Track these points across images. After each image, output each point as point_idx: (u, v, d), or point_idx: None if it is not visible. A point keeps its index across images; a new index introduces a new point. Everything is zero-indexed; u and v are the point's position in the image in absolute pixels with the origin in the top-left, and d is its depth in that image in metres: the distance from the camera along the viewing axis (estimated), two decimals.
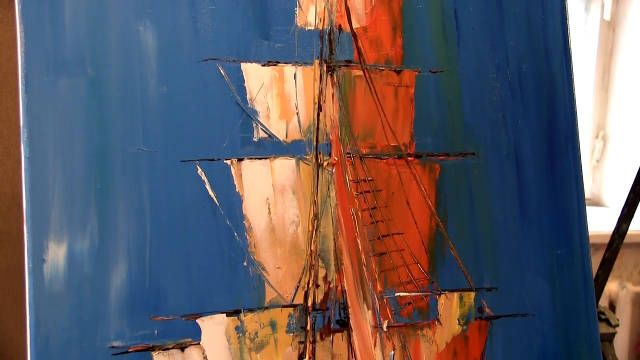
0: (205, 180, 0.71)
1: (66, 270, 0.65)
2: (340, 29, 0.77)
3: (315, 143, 0.75)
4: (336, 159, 0.76)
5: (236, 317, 0.71)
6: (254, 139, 0.73)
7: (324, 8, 0.76)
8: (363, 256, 0.77)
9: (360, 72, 0.78)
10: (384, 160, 0.79)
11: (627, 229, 1.16)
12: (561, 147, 0.89)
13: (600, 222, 2.02)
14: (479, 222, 0.82)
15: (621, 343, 1.90)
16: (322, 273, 0.75)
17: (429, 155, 0.81)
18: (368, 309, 0.77)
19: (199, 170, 0.70)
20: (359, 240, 0.77)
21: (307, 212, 0.75)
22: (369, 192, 0.76)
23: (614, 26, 2.26)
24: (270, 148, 0.74)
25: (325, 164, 0.76)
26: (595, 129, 2.32)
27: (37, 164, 0.65)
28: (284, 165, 0.74)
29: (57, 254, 0.65)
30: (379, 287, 0.77)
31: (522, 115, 0.86)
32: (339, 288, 0.76)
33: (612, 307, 1.86)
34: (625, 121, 2.25)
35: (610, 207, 2.26)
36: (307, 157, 0.75)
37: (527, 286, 0.84)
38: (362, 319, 0.77)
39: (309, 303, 0.74)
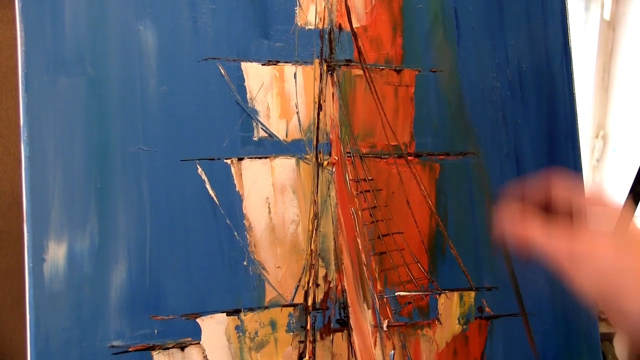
0: (206, 179, 0.71)
1: (66, 269, 0.65)
2: (340, 28, 0.77)
3: (315, 142, 0.75)
4: (336, 158, 0.76)
5: (236, 317, 0.71)
6: (254, 139, 0.73)
7: (324, 7, 0.76)
8: (363, 255, 0.77)
9: (360, 72, 0.78)
10: (384, 160, 0.79)
11: None
12: (561, 146, 0.89)
13: None
14: (479, 221, 0.82)
15: (621, 343, 1.90)
16: (322, 272, 0.75)
17: (429, 154, 0.81)
18: (368, 309, 0.77)
19: (199, 170, 0.70)
20: (359, 240, 0.77)
21: (307, 211, 0.75)
22: (369, 191, 0.76)
23: (614, 26, 2.26)
24: (271, 147, 0.74)
25: (325, 163, 0.76)
26: (595, 128, 2.32)
27: (37, 164, 0.65)
28: (284, 165, 0.74)
29: (57, 253, 0.65)
30: (379, 287, 0.77)
31: (522, 114, 0.86)
32: (339, 287, 0.76)
33: None
34: (625, 121, 2.25)
35: None
36: (307, 156, 0.75)
37: (527, 286, 0.84)
38: (362, 318, 0.77)
39: (309, 302, 0.74)
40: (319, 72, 0.76)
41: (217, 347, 0.70)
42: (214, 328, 0.70)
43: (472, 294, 0.82)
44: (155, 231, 0.69)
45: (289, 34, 0.75)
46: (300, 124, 0.75)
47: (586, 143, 2.30)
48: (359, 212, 0.77)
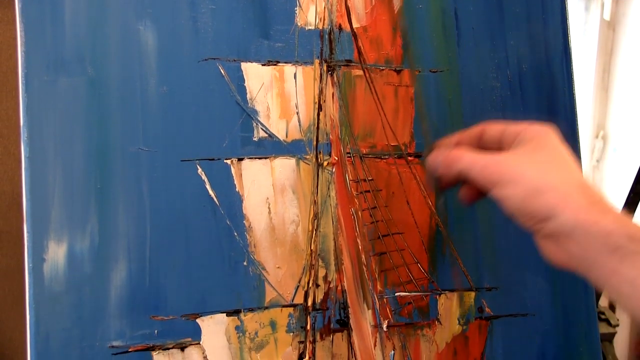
0: (205, 179, 0.71)
1: (66, 269, 0.65)
2: (340, 28, 0.77)
3: (315, 143, 0.75)
4: (336, 158, 0.76)
5: (236, 317, 0.71)
6: (254, 139, 0.73)
7: (324, 8, 0.76)
8: (363, 256, 0.77)
9: (360, 72, 0.78)
10: (384, 160, 0.79)
11: None
12: None
13: None
14: (479, 221, 0.82)
15: (621, 343, 1.90)
16: (322, 273, 0.75)
17: None
18: (368, 309, 0.77)
19: (199, 170, 0.70)
20: (359, 240, 0.77)
21: (307, 211, 0.75)
22: (369, 191, 0.76)
23: (614, 26, 2.26)
24: (271, 148, 0.74)
25: (325, 163, 0.76)
26: (595, 128, 2.32)
27: (37, 164, 0.65)
28: (284, 165, 0.74)
29: (57, 253, 0.65)
30: (379, 287, 0.78)
31: (522, 114, 0.86)
32: (339, 288, 0.76)
33: (612, 307, 1.86)
34: (625, 121, 2.25)
35: None
36: (307, 156, 0.75)
37: (527, 286, 0.84)
38: (362, 318, 0.77)
39: (309, 303, 0.74)
40: (319, 72, 0.76)
41: (217, 347, 0.70)
42: (214, 328, 0.70)
43: (472, 294, 0.82)
44: (155, 231, 0.69)
45: (289, 34, 0.75)
46: (300, 124, 0.75)
47: (586, 143, 2.30)
48: (359, 213, 0.77)
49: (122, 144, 0.68)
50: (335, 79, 0.76)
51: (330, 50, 0.77)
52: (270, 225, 0.73)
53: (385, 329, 0.77)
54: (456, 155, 0.63)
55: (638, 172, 1.13)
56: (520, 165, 0.59)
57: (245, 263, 0.72)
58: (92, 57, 0.67)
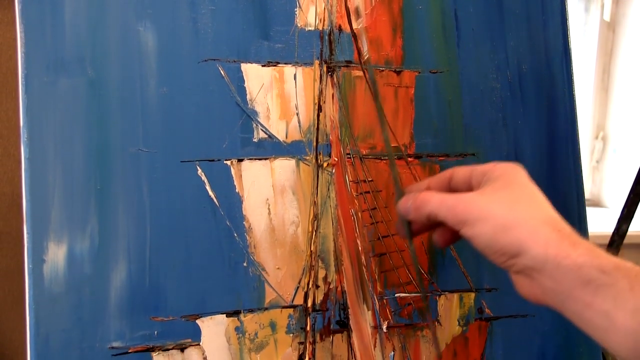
0: (205, 180, 0.71)
1: (66, 270, 0.65)
2: (340, 29, 0.77)
3: (315, 144, 0.75)
4: (336, 159, 0.76)
5: (236, 318, 0.71)
6: (254, 140, 0.73)
7: (324, 8, 0.77)
8: (363, 257, 0.77)
9: (360, 73, 0.78)
10: (384, 161, 0.79)
11: (627, 230, 1.16)
12: (561, 147, 0.89)
13: (600, 223, 2.02)
14: None
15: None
16: (322, 274, 0.75)
17: (428, 155, 0.81)
18: (368, 310, 0.77)
19: (199, 171, 0.70)
20: (358, 241, 0.77)
21: (307, 212, 0.75)
22: (369, 192, 0.76)
23: (614, 27, 2.27)
24: (270, 148, 0.74)
25: (325, 164, 0.76)
26: (595, 129, 2.32)
27: (37, 165, 0.65)
28: (284, 166, 0.74)
29: (57, 254, 0.65)
30: (378, 288, 0.78)
31: (522, 115, 0.86)
32: (339, 289, 0.76)
33: None
34: (625, 122, 2.25)
35: (610, 208, 2.26)
36: (307, 157, 0.75)
37: None
38: (362, 319, 0.77)
39: (309, 304, 0.74)
40: (319, 73, 0.76)
41: (216, 348, 0.70)
42: (214, 329, 0.70)
43: (472, 295, 0.82)
44: (155, 232, 0.69)
45: (288, 35, 0.75)
46: (300, 125, 0.75)
47: (586, 144, 2.30)
48: (359, 214, 0.77)
49: (122, 144, 0.68)
50: (335, 79, 0.76)
51: (330, 51, 0.77)
52: (270, 226, 0.73)
53: (385, 329, 0.77)
54: (425, 198, 0.64)
55: (638, 172, 1.13)
56: (487, 203, 0.60)
57: (245, 264, 0.72)
58: (92, 58, 0.67)
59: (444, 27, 0.83)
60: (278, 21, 0.75)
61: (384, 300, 0.78)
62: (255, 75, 0.73)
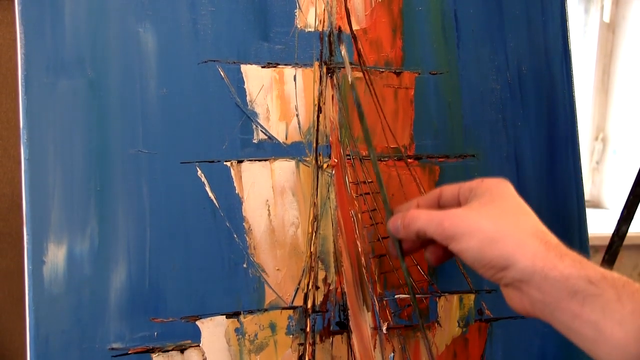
0: (205, 181, 0.71)
1: (66, 271, 0.65)
2: (340, 30, 0.77)
3: (315, 145, 0.75)
4: (336, 160, 0.76)
5: (236, 319, 0.71)
6: (253, 141, 0.73)
7: (324, 10, 0.77)
8: (363, 258, 0.77)
9: (360, 74, 0.78)
10: (384, 162, 0.79)
11: (627, 231, 1.16)
12: (561, 148, 0.89)
13: (599, 224, 2.02)
14: None
15: None
16: (321, 275, 0.75)
17: (428, 157, 0.81)
18: (368, 311, 0.77)
19: (199, 172, 0.70)
20: (358, 242, 0.77)
21: (306, 213, 0.75)
22: (368, 194, 0.76)
23: (614, 28, 2.27)
24: (270, 150, 0.74)
25: (325, 165, 0.76)
26: (595, 130, 2.32)
27: (37, 166, 0.65)
28: (284, 167, 0.74)
29: (56, 255, 0.65)
30: (378, 289, 0.77)
31: (521, 116, 0.86)
32: (339, 290, 0.76)
33: None
34: (625, 123, 2.25)
35: (609, 209, 2.26)
36: (307, 158, 0.75)
37: None
38: (362, 320, 0.77)
39: (309, 305, 0.74)
40: (319, 74, 0.76)
41: (216, 349, 0.70)
42: (214, 330, 0.70)
43: (472, 296, 0.82)
44: (155, 233, 0.69)
45: (288, 37, 0.75)
46: (300, 127, 0.75)
47: (586, 145, 2.30)
48: (359, 215, 0.77)
49: (122, 146, 0.68)
50: (335, 81, 0.76)
51: (330, 53, 0.77)
52: (270, 227, 0.73)
53: (384, 331, 0.77)
54: (413, 215, 0.65)
55: (638, 174, 1.12)
56: (474, 218, 0.61)
57: (244, 265, 0.72)
58: (92, 59, 0.67)
59: (444, 28, 0.83)
60: (278, 22, 0.75)
61: (384, 302, 0.78)
62: (255, 77, 0.73)
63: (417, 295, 0.79)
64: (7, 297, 1.19)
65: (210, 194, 0.71)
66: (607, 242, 1.17)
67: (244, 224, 0.72)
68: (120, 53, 0.68)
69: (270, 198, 0.73)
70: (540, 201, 0.87)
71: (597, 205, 2.33)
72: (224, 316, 0.71)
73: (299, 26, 0.75)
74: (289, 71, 0.75)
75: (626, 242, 1.18)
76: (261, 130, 0.73)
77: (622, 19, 2.24)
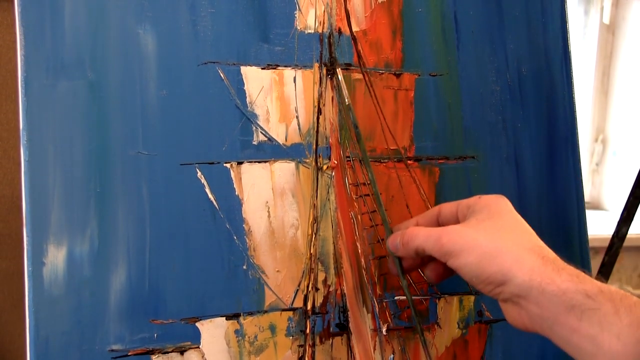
0: (205, 183, 0.71)
1: (66, 273, 0.65)
2: (340, 32, 0.77)
3: (314, 146, 0.75)
4: (336, 162, 0.76)
5: (236, 321, 0.71)
6: (253, 142, 0.73)
7: (324, 11, 0.77)
8: (363, 259, 0.77)
9: (360, 76, 0.78)
10: (384, 164, 0.79)
11: (627, 233, 1.16)
12: (561, 150, 0.89)
13: (599, 226, 2.02)
14: None
15: None
16: (321, 276, 0.75)
17: (428, 158, 0.81)
18: (368, 313, 0.77)
19: (199, 174, 0.70)
20: (358, 244, 0.77)
21: (306, 215, 0.75)
22: (368, 195, 0.76)
23: (614, 29, 2.27)
24: (270, 151, 0.74)
25: (324, 167, 0.76)
26: (595, 132, 2.32)
27: (37, 167, 0.65)
28: (284, 169, 0.74)
29: (56, 257, 0.65)
30: (378, 291, 0.77)
31: (521, 118, 0.87)
32: (339, 291, 0.76)
33: None
34: (625, 124, 2.26)
35: (609, 211, 2.26)
36: (307, 160, 0.75)
37: None
38: (362, 322, 0.77)
39: (309, 306, 0.74)
40: (319, 76, 0.76)
41: (216, 351, 0.70)
42: (214, 332, 0.70)
43: (472, 298, 0.82)
44: (155, 235, 0.69)
45: (288, 38, 0.75)
46: (299, 128, 0.75)
47: (586, 147, 2.31)
48: (359, 216, 0.77)
49: (121, 147, 0.68)
50: (334, 82, 0.76)
51: (330, 54, 0.77)
52: (270, 228, 0.73)
53: (384, 332, 0.77)
54: (412, 233, 0.66)
55: (638, 175, 1.13)
56: (472, 234, 0.61)
57: (244, 267, 0.72)
58: (92, 61, 0.67)
59: (444, 29, 0.83)
60: (278, 24, 0.75)
61: (384, 303, 0.78)
62: (254, 78, 0.73)
63: (417, 297, 0.79)
64: (7, 298, 1.19)
65: (210, 195, 0.71)
66: (607, 244, 1.17)
67: (243, 225, 0.72)
68: (120, 54, 0.68)
69: (270, 199, 0.73)
70: (540, 203, 0.87)
71: (597, 206, 2.33)
72: (224, 318, 0.71)
73: (298, 28, 0.75)
74: (288, 73, 0.75)
75: (626, 243, 1.18)
76: (261, 132, 0.73)
77: (622, 20, 2.24)
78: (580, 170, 0.90)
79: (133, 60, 0.69)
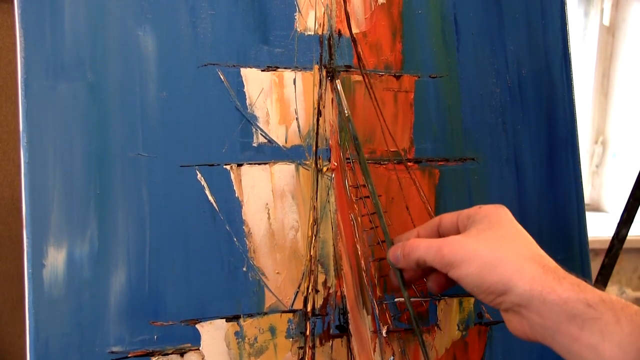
0: (205, 185, 0.71)
1: (66, 275, 0.65)
2: (339, 34, 0.77)
3: (314, 148, 0.75)
4: (336, 164, 0.76)
5: (235, 323, 0.71)
6: (253, 144, 0.73)
7: (324, 13, 0.77)
8: (362, 261, 0.77)
9: (359, 77, 0.78)
10: (384, 166, 0.79)
11: (627, 234, 1.16)
12: (561, 152, 0.89)
13: (599, 227, 2.02)
14: None
15: None
16: (321, 278, 0.75)
17: (428, 160, 0.81)
18: (367, 314, 0.77)
19: (199, 176, 0.70)
20: (358, 246, 0.77)
21: (306, 217, 0.75)
22: (368, 197, 0.76)
23: (613, 31, 2.27)
24: (270, 153, 0.74)
25: (324, 169, 0.76)
26: (595, 134, 2.32)
27: (37, 169, 0.65)
28: (284, 171, 0.74)
29: (56, 258, 0.65)
30: (378, 293, 0.77)
31: (521, 120, 0.87)
32: (339, 293, 0.76)
33: None
34: (625, 126, 2.26)
35: (609, 212, 2.26)
36: (307, 162, 0.75)
37: None
38: (362, 324, 0.77)
39: (309, 308, 0.74)
40: (319, 78, 0.76)
41: (216, 353, 0.70)
42: (214, 334, 0.70)
43: (472, 299, 0.82)
44: (155, 236, 0.69)
45: (288, 40, 0.75)
46: (299, 130, 0.75)
47: (586, 148, 2.31)
48: (359, 218, 0.77)
49: (121, 149, 0.68)
50: (334, 84, 0.76)
51: (330, 56, 0.77)
52: (270, 230, 0.73)
53: (384, 334, 0.77)
54: (412, 244, 0.66)
55: (638, 177, 1.12)
56: (472, 244, 0.61)
57: (244, 268, 0.72)
58: (92, 62, 0.67)
59: (444, 31, 0.83)
60: (278, 26, 0.75)
61: (384, 305, 0.78)
62: (254, 80, 0.73)
63: (416, 299, 0.79)
64: (7, 300, 1.19)
65: (210, 197, 0.71)
66: (607, 246, 1.17)
67: (243, 227, 0.72)
68: (120, 56, 0.68)
69: (270, 201, 0.73)
70: (540, 204, 0.87)
71: (597, 208, 2.33)
72: (224, 319, 0.71)
73: (298, 29, 0.75)
74: (288, 74, 0.75)
75: (626, 245, 1.18)
76: (261, 134, 0.73)
77: (622, 22, 2.24)
78: (580, 172, 0.90)
79: (133, 61, 0.69)
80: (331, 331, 0.75)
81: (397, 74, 0.80)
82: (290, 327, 0.74)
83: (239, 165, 0.72)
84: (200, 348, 0.70)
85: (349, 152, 0.77)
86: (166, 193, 0.69)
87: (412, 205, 0.80)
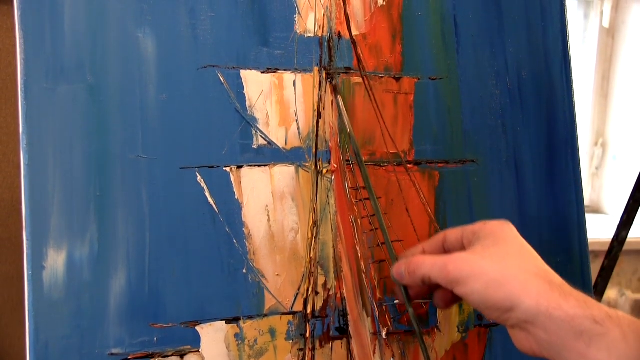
0: (205, 187, 0.71)
1: (66, 277, 0.65)
2: (339, 36, 0.77)
3: (314, 150, 0.75)
4: (335, 166, 0.76)
5: (235, 325, 0.71)
6: (253, 146, 0.73)
7: (324, 15, 0.77)
8: (362, 263, 0.77)
9: (359, 79, 0.78)
10: (384, 168, 0.79)
11: (627, 236, 1.15)
12: (560, 154, 0.89)
13: (599, 229, 2.02)
14: None
15: None
16: (321, 280, 0.75)
17: (428, 162, 0.81)
18: (367, 316, 0.77)
19: (199, 178, 0.70)
20: (358, 248, 0.77)
21: (306, 219, 0.75)
22: (368, 199, 0.76)
23: (613, 33, 2.27)
24: (270, 155, 0.74)
25: (324, 171, 0.76)
26: (595, 136, 2.32)
27: (37, 171, 0.65)
28: (284, 172, 0.74)
29: (56, 261, 0.65)
30: (378, 295, 0.77)
31: (521, 122, 0.87)
32: (339, 295, 0.76)
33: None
34: (625, 128, 2.26)
35: (609, 214, 2.26)
36: (307, 164, 0.75)
37: None
38: (362, 326, 0.76)
39: (309, 310, 0.74)
40: (318, 79, 0.76)
41: (216, 354, 0.70)
42: (213, 336, 0.70)
43: None
44: (155, 239, 0.69)
45: (288, 42, 0.75)
46: (299, 132, 0.75)
47: (586, 150, 2.31)
48: (358, 220, 0.77)
49: (121, 151, 0.68)
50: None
51: (330, 58, 0.77)
52: (270, 232, 0.73)
53: (384, 336, 0.77)
54: (417, 261, 0.65)
55: (637, 179, 1.12)
56: (478, 261, 0.61)
57: (244, 270, 0.72)
58: (92, 65, 0.67)
59: (444, 33, 0.83)
60: (277, 28, 0.75)
61: (384, 307, 0.78)
62: (254, 82, 0.73)
63: (417, 301, 0.78)
64: (7, 302, 1.19)
65: (209, 199, 0.71)
66: (606, 248, 1.17)
67: (243, 229, 0.72)
68: (120, 58, 0.68)
69: (269, 203, 0.73)
70: (540, 206, 0.87)
71: (596, 210, 2.33)
72: (224, 321, 0.71)
73: (298, 31, 0.75)
74: (288, 76, 0.75)
75: (626, 247, 1.18)
76: (261, 136, 0.73)
77: (622, 24, 2.25)
78: (580, 174, 0.90)
79: (133, 64, 0.69)
80: (331, 333, 0.75)
81: (397, 76, 0.80)
82: (290, 329, 0.74)
83: (239, 167, 0.72)
84: (200, 350, 0.70)
85: (349, 154, 0.77)
86: (166, 195, 0.69)
87: (412, 207, 0.80)
